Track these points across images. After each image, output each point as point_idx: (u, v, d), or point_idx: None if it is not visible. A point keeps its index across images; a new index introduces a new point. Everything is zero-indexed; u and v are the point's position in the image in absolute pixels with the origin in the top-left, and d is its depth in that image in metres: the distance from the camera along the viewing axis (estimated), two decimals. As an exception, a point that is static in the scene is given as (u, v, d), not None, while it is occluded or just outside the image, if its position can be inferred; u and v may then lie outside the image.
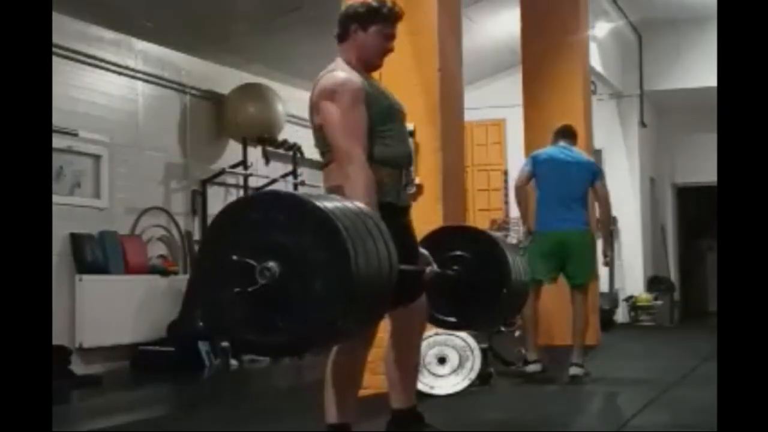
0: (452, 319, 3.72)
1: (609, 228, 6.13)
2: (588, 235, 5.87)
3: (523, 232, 6.07)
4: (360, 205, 2.70)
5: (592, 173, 5.89)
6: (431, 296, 3.46)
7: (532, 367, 5.82)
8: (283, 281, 2.40)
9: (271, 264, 2.41)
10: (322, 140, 3.25)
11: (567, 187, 5.77)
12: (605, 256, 6.05)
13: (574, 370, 5.65)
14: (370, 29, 3.33)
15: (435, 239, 3.66)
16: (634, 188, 11.59)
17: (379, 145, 3.22)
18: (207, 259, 2.63)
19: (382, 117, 3.25)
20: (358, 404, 3.32)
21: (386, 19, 3.35)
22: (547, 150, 5.96)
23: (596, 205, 6.12)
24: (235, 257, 2.43)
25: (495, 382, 5.49)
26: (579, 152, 6.08)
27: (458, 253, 3.63)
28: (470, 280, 3.58)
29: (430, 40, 5.42)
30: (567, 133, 6.03)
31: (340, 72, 3.24)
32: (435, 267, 3.44)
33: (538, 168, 5.86)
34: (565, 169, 5.81)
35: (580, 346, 5.76)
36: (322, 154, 3.30)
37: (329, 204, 2.51)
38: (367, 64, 3.39)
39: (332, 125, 3.15)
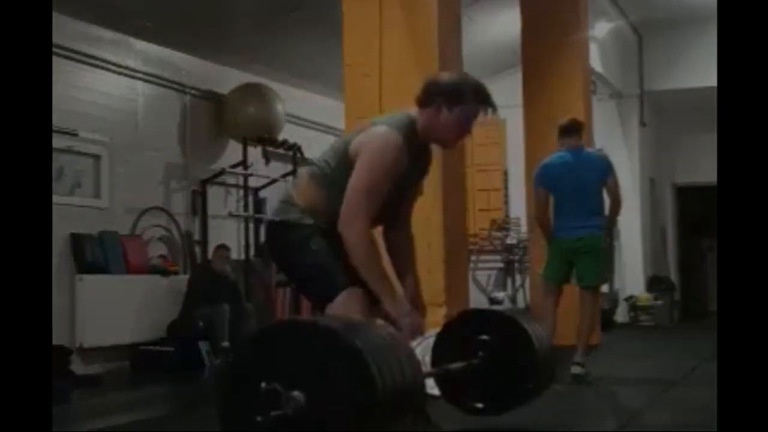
0: (482, 406, 3.75)
1: (614, 219, 6.09)
2: (601, 239, 5.82)
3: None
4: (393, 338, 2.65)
5: (603, 171, 5.82)
6: (461, 386, 3.56)
7: None
8: (307, 410, 2.39)
9: (297, 393, 2.39)
10: (343, 166, 3.14)
11: (580, 192, 5.70)
12: (603, 242, 6.01)
13: (575, 369, 5.63)
14: (455, 109, 3.22)
15: (455, 328, 3.71)
16: (634, 188, 11.57)
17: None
18: (232, 380, 2.63)
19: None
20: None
21: (475, 104, 3.24)
22: (552, 158, 5.83)
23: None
24: (263, 384, 2.42)
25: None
26: (587, 150, 6.01)
27: (483, 337, 3.65)
28: (496, 364, 3.63)
29: (430, 40, 5.41)
30: (573, 130, 5.87)
31: (399, 137, 3.12)
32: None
33: (548, 179, 5.77)
34: (576, 173, 5.72)
35: (584, 347, 5.74)
36: (327, 168, 3.21)
37: (362, 337, 2.46)
38: (437, 141, 3.33)
39: (358, 183, 3.06)
